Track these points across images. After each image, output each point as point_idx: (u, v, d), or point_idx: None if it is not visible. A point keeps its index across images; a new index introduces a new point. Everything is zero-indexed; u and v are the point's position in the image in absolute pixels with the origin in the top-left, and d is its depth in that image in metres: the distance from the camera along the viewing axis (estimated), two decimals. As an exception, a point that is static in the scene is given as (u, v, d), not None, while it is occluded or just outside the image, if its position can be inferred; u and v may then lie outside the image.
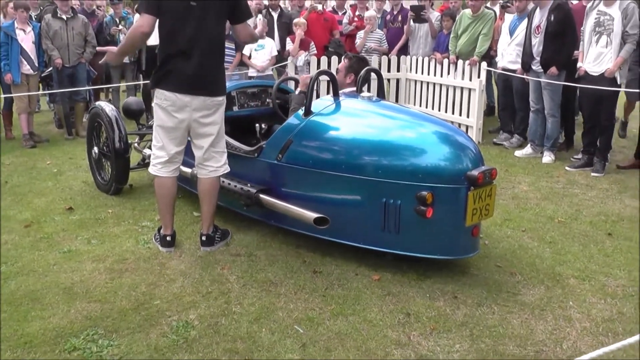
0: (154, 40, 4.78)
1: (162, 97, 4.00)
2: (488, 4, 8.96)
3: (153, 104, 4.14)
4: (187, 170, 4.72)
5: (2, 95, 8.26)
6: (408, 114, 4.22)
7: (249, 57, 8.50)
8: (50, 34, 7.98)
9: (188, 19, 3.89)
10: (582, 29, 6.56)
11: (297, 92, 4.75)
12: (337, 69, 4.94)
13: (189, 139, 4.21)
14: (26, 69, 7.87)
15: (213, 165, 4.19)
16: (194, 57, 3.92)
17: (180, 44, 3.91)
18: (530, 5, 7.66)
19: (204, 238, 4.26)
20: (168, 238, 4.26)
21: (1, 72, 7.82)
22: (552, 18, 6.71)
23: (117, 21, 9.32)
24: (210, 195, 4.23)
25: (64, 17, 8.11)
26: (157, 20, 3.90)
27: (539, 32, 6.85)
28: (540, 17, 6.89)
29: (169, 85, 3.96)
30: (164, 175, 4.17)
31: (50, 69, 8.27)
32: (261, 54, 8.50)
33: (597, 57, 6.30)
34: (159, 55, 4.06)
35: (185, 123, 4.04)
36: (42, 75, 8.41)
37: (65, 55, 8.09)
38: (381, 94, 4.68)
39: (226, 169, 4.25)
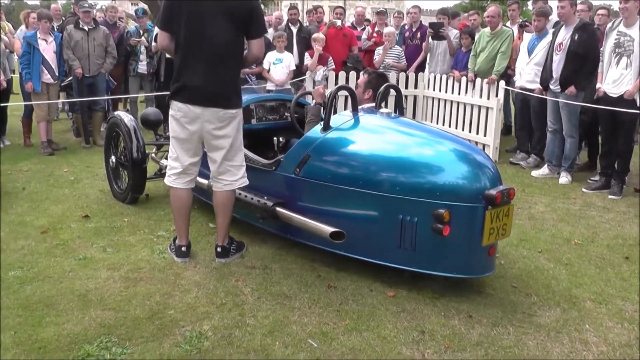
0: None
1: (175, 109, 4.04)
2: (508, 24, 8.96)
3: (169, 116, 4.17)
4: (204, 181, 4.73)
5: (23, 103, 8.37)
6: (426, 131, 4.21)
7: (268, 71, 8.55)
8: (71, 44, 8.11)
9: (203, 32, 3.92)
10: (601, 49, 6.54)
11: (313, 104, 4.77)
12: (357, 84, 4.95)
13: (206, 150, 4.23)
14: (47, 78, 7.98)
15: (228, 179, 4.16)
16: (207, 70, 3.95)
17: (195, 57, 3.95)
18: (550, 25, 7.66)
19: (219, 249, 4.26)
20: (183, 248, 4.27)
21: (22, 81, 7.94)
22: (576, 37, 6.69)
23: (141, 33, 9.42)
24: (225, 208, 4.22)
25: (86, 28, 8.24)
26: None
27: (561, 49, 6.83)
28: (564, 35, 6.86)
29: (182, 96, 4.00)
30: (178, 187, 4.19)
31: (71, 78, 8.38)
32: (279, 67, 8.55)
33: (617, 78, 6.26)
34: (174, 67, 4.11)
35: (198, 134, 4.05)
36: (62, 84, 8.52)
37: (85, 65, 8.21)
38: (400, 111, 4.68)
39: (243, 182, 4.22)
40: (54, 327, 3.27)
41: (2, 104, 8.17)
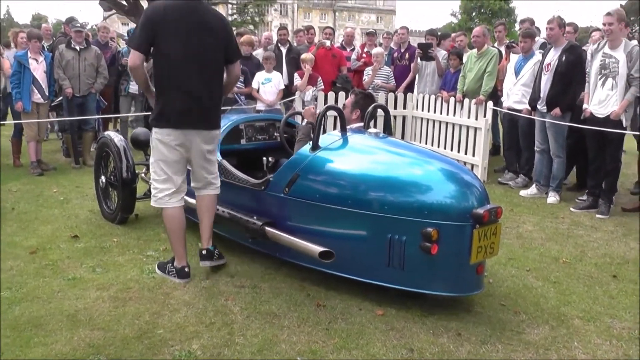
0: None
1: (163, 133, 4.07)
2: (495, 45, 9.06)
3: (153, 139, 4.18)
4: (192, 201, 4.71)
5: (12, 122, 8.36)
6: (415, 150, 4.24)
7: (257, 91, 8.58)
8: (62, 63, 8.15)
9: (190, 53, 3.97)
10: (587, 71, 6.62)
11: (304, 124, 4.81)
12: (344, 104, 4.99)
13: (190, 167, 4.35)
14: (37, 97, 7.99)
15: (215, 183, 4.40)
16: (192, 94, 4.01)
17: (184, 80, 3.99)
18: (536, 46, 7.76)
19: (204, 252, 4.30)
20: (186, 269, 4.26)
21: (12, 100, 7.94)
22: (564, 58, 6.79)
23: None
24: (209, 209, 4.38)
25: (78, 47, 8.27)
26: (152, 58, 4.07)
27: (549, 70, 6.92)
28: (553, 56, 6.95)
29: (170, 122, 4.04)
30: (172, 206, 4.21)
31: (61, 98, 8.39)
32: (268, 87, 8.58)
33: (603, 99, 6.34)
34: (157, 91, 4.11)
35: (187, 155, 4.16)
36: (52, 104, 8.52)
37: (76, 85, 8.23)
38: (388, 131, 4.72)
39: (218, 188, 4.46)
40: (42, 347, 3.26)
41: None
